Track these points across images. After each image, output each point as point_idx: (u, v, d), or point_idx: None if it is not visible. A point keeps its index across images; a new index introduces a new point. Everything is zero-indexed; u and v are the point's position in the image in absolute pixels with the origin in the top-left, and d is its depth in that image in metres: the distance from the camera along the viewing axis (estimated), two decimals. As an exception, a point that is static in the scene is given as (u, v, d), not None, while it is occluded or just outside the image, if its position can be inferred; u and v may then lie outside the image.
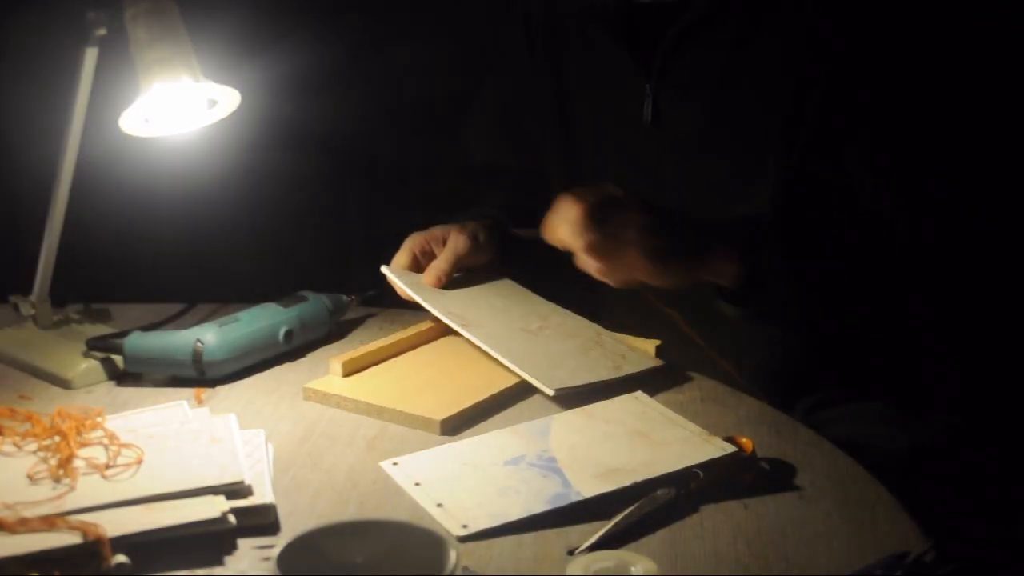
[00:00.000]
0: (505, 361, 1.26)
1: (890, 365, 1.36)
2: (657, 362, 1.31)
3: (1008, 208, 1.33)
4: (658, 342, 1.35)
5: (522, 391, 1.26)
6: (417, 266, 1.41)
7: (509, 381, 1.27)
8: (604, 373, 1.26)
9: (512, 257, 1.48)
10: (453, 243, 1.40)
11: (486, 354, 1.30)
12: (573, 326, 1.38)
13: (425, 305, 1.34)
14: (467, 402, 1.22)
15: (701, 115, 1.33)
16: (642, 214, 1.20)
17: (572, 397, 1.22)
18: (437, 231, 1.43)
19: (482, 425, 1.21)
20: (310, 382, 1.29)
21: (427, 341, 1.40)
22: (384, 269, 1.39)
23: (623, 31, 1.37)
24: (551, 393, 1.22)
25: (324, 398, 1.27)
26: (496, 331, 1.32)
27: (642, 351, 1.34)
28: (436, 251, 1.41)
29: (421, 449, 1.15)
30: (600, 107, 1.43)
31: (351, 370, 1.31)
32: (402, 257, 1.40)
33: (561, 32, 1.47)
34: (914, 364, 1.36)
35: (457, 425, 1.20)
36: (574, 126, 1.47)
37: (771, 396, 1.29)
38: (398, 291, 1.39)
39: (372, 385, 1.28)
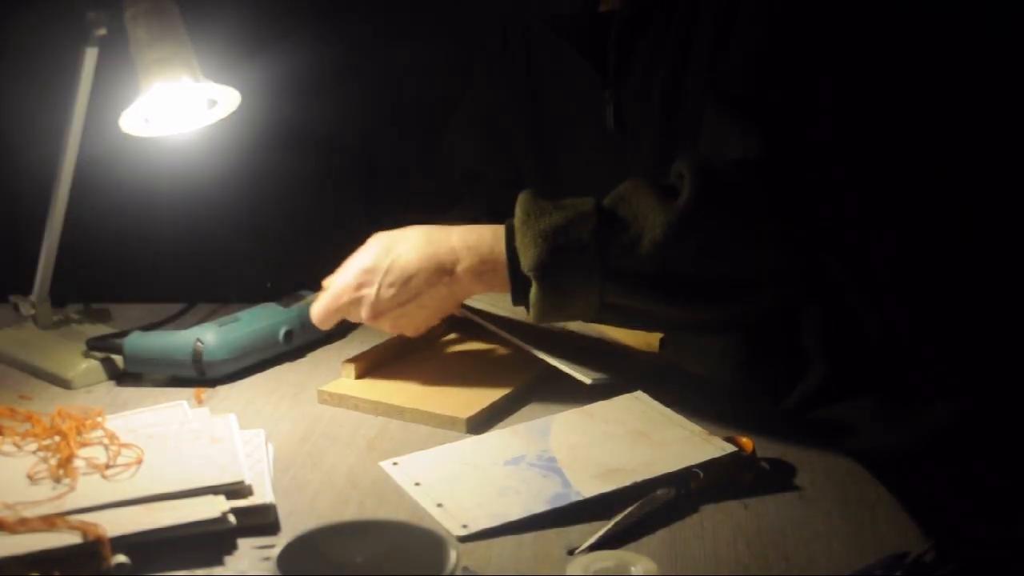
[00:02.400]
0: (538, 352, 1.27)
1: (882, 359, 1.36)
2: (660, 355, 1.32)
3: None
4: (661, 335, 1.35)
5: (537, 388, 1.26)
6: None
7: (524, 378, 1.27)
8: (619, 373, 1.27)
9: None
10: None
11: (493, 351, 1.30)
12: (576, 325, 1.38)
13: None
14: (489, 400, 1.23)
15: (657, 117, 1.33)
16: (368, 306, 1.25)
17: (601, 389, 1.23)
18: None
19: (504, 422, 1.21)
20: (324, 385, 1.29)
21: (431, 340, 1.40)
22: None
23: (585, 39, 1.38)
24: (588, 382, 1.22)
25: (341, 400, 1.26)
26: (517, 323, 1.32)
27: (643, 352, 1.34)
28: None
29: (421, 449, 1.15)
30: (568, 114, 1.44)
31: (363, 371, 1.31)
32: None
33: (532, 41, 1.48)
34: (907, 359, 1.36)
35: (481, 423, 1.20)
36: (545, 133, 1.48)
37: (757, 395, 1.29)
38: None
39: (388, 386, 1.28)
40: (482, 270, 1.23)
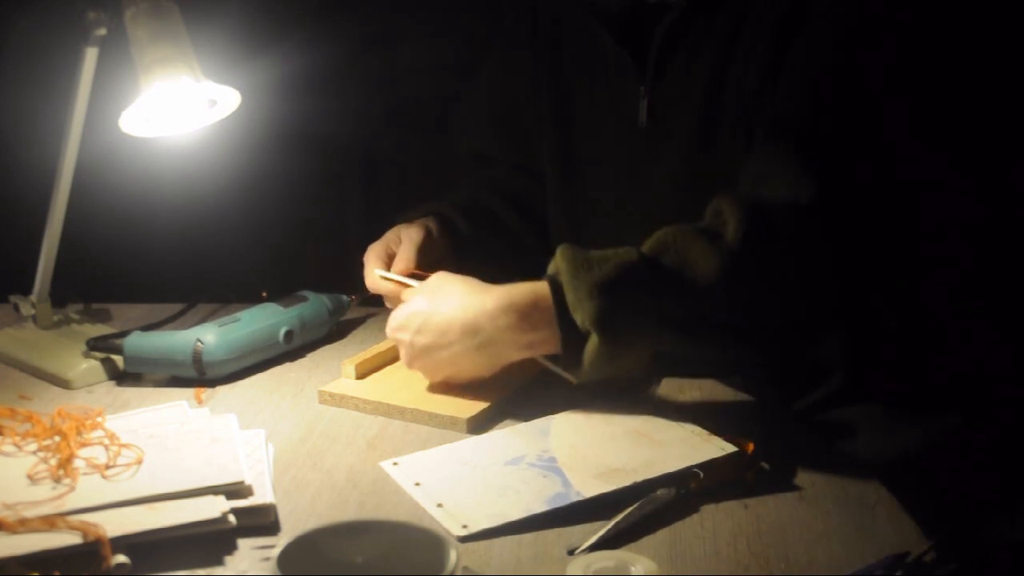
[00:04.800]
0: None
1: (897, 370, 1.36)
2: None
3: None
4: None
5: (537, 388, 1.26)
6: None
7: (524, 378, 1.27)
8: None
9: (464, 255, 1.47)
10: (407, 236, 1.39)
11: None
12: None
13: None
14: (489, 400, 1.23)
15: (694, 116, 1.32)
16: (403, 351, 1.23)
17: (602, 389, 1.23)
18: (390, 234, 1.41)
19: (504, 422, 1.21)
20: (324, 385, 1.29)
21: None
22: (379, 272, 1.36)
23: (623, 30, 1.37)
24: (575, 382, 1.22)
25: (341, 401, 1.26)
26: None
27: None
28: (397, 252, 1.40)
29: (421, 449, 1.15)
30: (596, 106, 1.43)
31: (364, 372, 1.31)
32: (372, 268, 1.38)
33: (563, 28, 1.47)
34: (920, 369, 1.36)
35: (481, 423, 1.20)
36: (570, 123, 1.47)
37: (766, 397, 1.29)
38: (402, 294, 1.37)
39: (388, 386, 1.28)
40: (522, 327, 1.19)
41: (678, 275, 1.15)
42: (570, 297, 1.16)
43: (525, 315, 1.19)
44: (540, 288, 1.19)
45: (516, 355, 1.22)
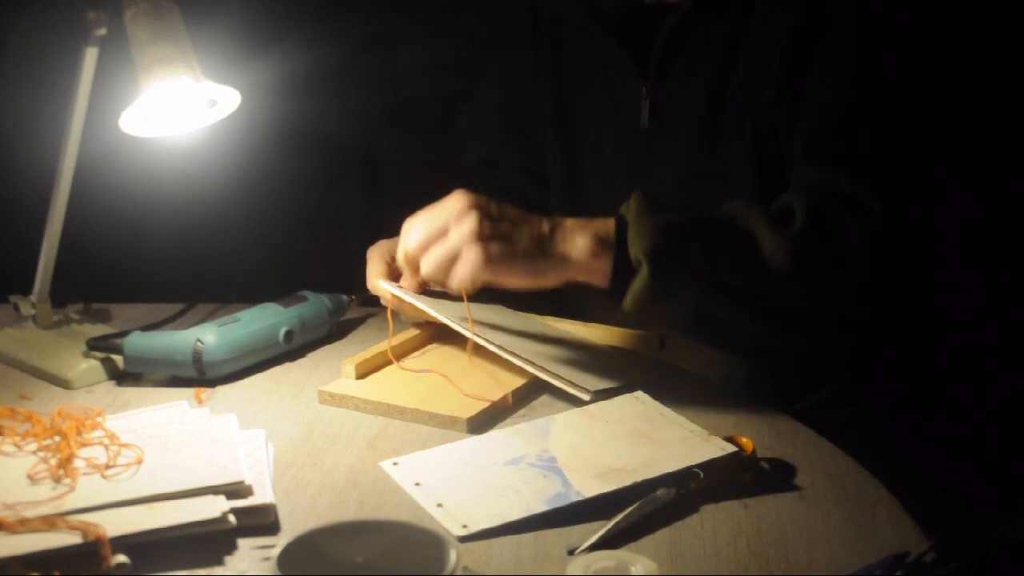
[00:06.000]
0: (531, 368, 1.25)
1: (890, 366, 1.36)
2: (655, 375, 1.31)
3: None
4: (663, 336, 1.34)
5: (537, 388, 1.26)
6: (391, 275, 1.38)
7: (524, 378, 1.27)
8: (620, 380, 1.27)
9: None
10: None
11: (494, 354, 1.29)
12: (581, 334, 1.38)
13: (434, 314, 1.31)
14: (489, 400, 1.22)
15: (696, 117, 1.32)
16: (475, 218, 1.18)
17: (597, 397, 1.22)
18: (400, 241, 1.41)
19: (504, 422, 1.21)
20: (324, 385, 1.29)
21: (432, 340, 1.39)
22: (383, 283, 1.35)
23: (624, 32, 1.37)
24: (587, 398, 1.22)
25: (341, 401, 1.26)
26: (511, 339, 1.31)
27: (643, 363, 1.33)
28: None
29: (421, 449, 1.15)
30: (597, 106, 1.43)
31: (364, 372, 1.31)
32: (376, 267, 1.37)
33: (563, 29, 1.47)
34: (915, 365, 1.36)
35: (481, 423, 1.20)
36: (571, 124, 1.47)
37: (770, 398, 1.29)
38: (401, 303, 1.34)
39: (388, 386, 1.28)
40: (588, 247, 1.19)
41: (740, 244, 1.18)
42: (631, 231, 1.17)
43: (592, 234, 1.19)
44: (609, 220, 1.21)
45: (566, 272, 1.20)
